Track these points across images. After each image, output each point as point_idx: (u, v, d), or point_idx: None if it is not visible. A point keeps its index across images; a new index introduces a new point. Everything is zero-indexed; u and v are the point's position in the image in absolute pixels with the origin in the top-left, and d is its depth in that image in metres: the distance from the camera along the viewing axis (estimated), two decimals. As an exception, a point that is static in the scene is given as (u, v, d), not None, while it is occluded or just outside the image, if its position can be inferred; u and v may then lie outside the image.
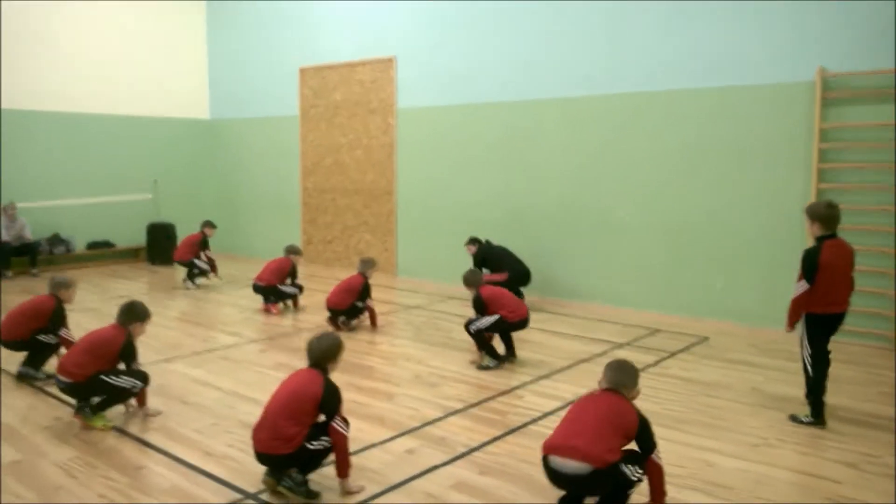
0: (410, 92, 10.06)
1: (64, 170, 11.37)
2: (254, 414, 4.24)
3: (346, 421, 3.79)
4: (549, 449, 3.37)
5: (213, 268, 9.82)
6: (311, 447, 3.68)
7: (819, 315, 4.67)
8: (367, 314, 7.41)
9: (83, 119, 11.55)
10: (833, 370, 5.01)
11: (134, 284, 10.02)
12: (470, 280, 6.16)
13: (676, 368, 6.00)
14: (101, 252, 11.79)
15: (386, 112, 10.36)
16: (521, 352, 6.42)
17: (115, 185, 11.98)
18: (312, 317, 7.88)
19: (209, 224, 9.98)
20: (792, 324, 4.79)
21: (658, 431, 4.29)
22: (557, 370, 5.93)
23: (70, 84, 11.38)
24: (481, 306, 5.99)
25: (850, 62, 6.67)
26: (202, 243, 9.76)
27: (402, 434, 4.54)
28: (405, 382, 5.60)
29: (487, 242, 8.52)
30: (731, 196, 7.43)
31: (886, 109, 6.52)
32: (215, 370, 5.93)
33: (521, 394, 5.34)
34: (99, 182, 11.79)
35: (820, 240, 4.68)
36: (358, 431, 4.50)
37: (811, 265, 4.58)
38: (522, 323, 6.04)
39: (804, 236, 6.88)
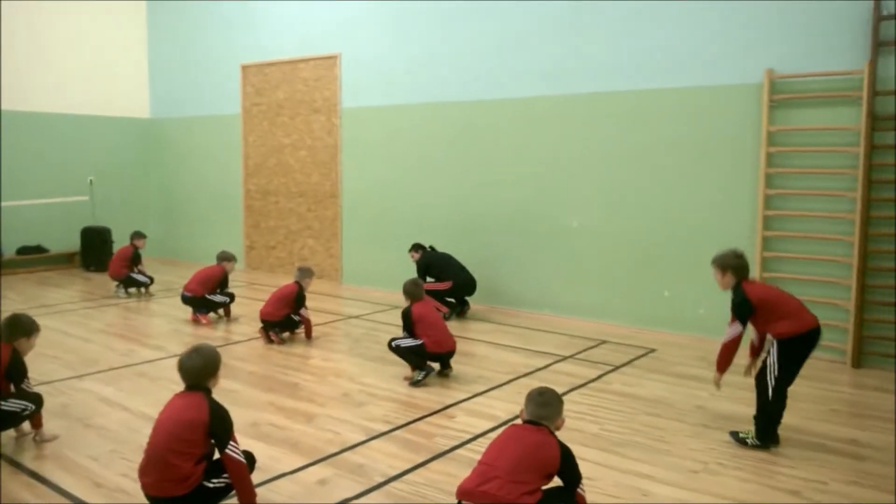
0: (355, 91, 9.68)
1: (-9, 170, 10.77)
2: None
3: (248, 456, 3.43)
4: (462, 494, 3.03)
5: (149, 278, 9.31)
6: (211, 486, 3.31)
7: (794, 336, 4.35)
8: (303, 326, 7.02)
9: (14, 117, 10.94)
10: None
11: (64, 292, 9.48)
12: (409, 291, 5.80)
13: (619, 384, 5.72)
14: (33, 258, 11.19)
15: (330, 111, 9.97)
16: (460, 366, 6.09)
17: (49, 186, 11.37)
18: (245, 327, 7.48)
19: (139, 235, 9.46)
20: (722, 370, 4.57)
21: (594, 456, 4.01)
22: (495, 386, 5.61)
23: (3, 80, 10.77)
24: (408, 323, 5.64)
25: (799, 64, 6.46)
26: (134, 258, 9.25)
27: (317, 462, 4.17)
28: (330, 402, 5.22)
29: (431, 249, 8.20)
30: (682, 202, 7.19)
31: (835, 113, 6.33)
32: (128, 388, 5.50)
33: (454, 413, 5.01)
34: (31, 183, 11.16)
35: (738, 284, 4.54)
36: (268, 459, 4.13)
37: (746, 310, 4.43)
38: (443, 357, 5.70)
39: (752, 245, 6.67)
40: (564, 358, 6.44)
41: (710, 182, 7.00)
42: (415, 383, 5.56)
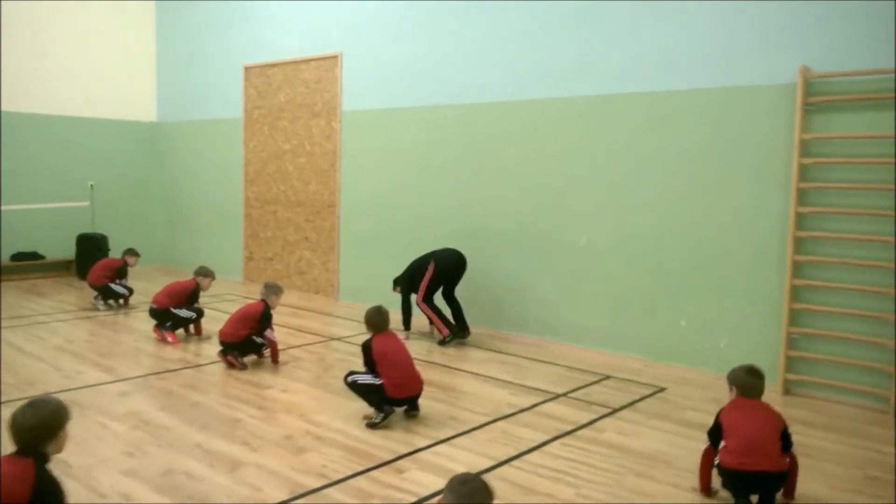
0: (356, 93, 9.00)
1: (-13, 173, 10.39)
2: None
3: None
4: None
5: (128, 290, 8.75)
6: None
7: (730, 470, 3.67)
8: (268, 349, 6.33)
9: (15, 118, 10.56)
10: (811, 438, 3.91)
11: (44, 303, 8.98)
12: (370, 320, 5.04)
13: (613, 432, 4.86)
14: (27, 264, 10.76)
15: (330, 115, 9.31)
16: (433, 402, 5.32)
17: (49, 190, 10.96)
18: (214, 347, 6.77)
19: (133, 252, 8.95)
20: (703, 485, 3.90)
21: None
22: (466, 431, 4.81)
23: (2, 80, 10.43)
24: (368, 358, 4.88)
25: (840, 61, 5.53)
26: (120, 271, 8.71)
27: (216, 529, 3.43)
28: (266, 446, 4.48)
29: (406, 272, 7.48)
30: (702, 220, 6.29)
31: (883, 118, 5.37)
32: (47, 420, 4.84)
33: (405, 466, 4.22)
34: (29, 187, 10.77)
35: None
36: (158, 524, 3.41)
37: (714, 423, 3.85)
38: (402, 402, 4.91)
39: (782, 272, 5.75)
40: (556, 396, 5.60)
41: (734, 197, 6.09)
42: (371, 425, 4.79)
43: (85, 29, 11.22)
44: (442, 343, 7.10)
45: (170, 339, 7.02)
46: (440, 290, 7.38)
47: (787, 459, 3.71)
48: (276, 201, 10.15)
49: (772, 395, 5.59)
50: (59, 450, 2.86)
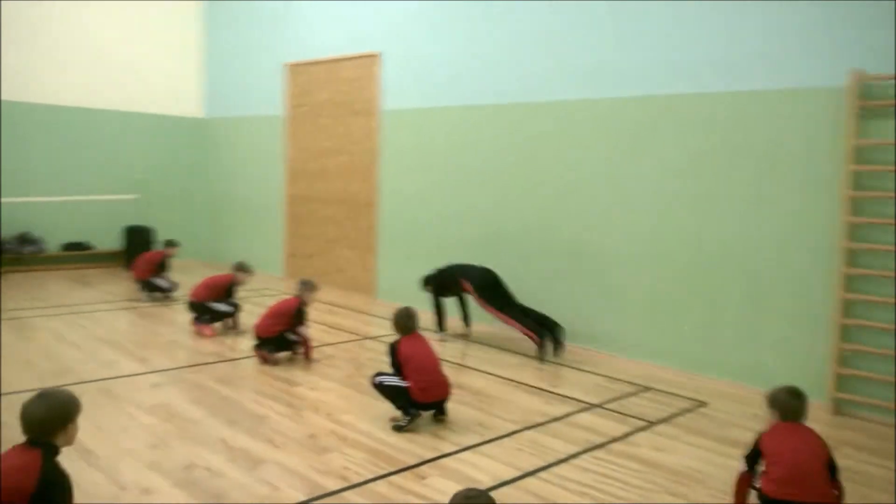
0: (395, 92, 8.95)
1: (41, 165, 10.64)
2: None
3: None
4: None
5: (172, 284, 8.83)
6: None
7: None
8: (302, 346, 6.30)
9: (66, 113, 10.81)
10: (860, 463, 3.68)
11: (89, 292, 9.15)
12: (398, 322, 4.95)
13: (647, 447, 4.67)
14: (76, 254, 11.00)
15: (370, 114, 9.27)
16: (462, 406, 5.21)
17: (98, 184, 11.20)
18: (250, 342, 6.72)
19: (172, 243, 9.04)
20: None
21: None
22: (493, 438, 4.68)
23: (53, 76, 10.65)
24: (395, 360, 4.80)
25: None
26: (161, 265, 8.81)
27: (230, 528, 3.38)
28: (290, 444, 4.43)
29: (437, 271, 7.36)
30: (748, 228, 6.03)
31: (946, 126, 5.07)
32: (78, 409, 4.87)
33: (427, 472, 4.12)
34: (81, 180, 11.02)
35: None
36: (172, 520, 3.37)
37: (752, 447, 3.61)
38: (430, 406, 4.81)
39: (832, 286, 5.48)
40: (591, 407, 5.43)
41: (781, 206, 5.82)
42: (397, 428, 4.70)
43: (136, 26, 11.41)
44: (541, 357, 6.69)
45: (207, 332, 7.06)
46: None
47: (836, 492, 3.48)
48: (317, 199, 10.16)
49: (819, 414, 5.34)
50: (68, 442, 2.83)
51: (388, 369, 4.92)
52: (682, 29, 6.36)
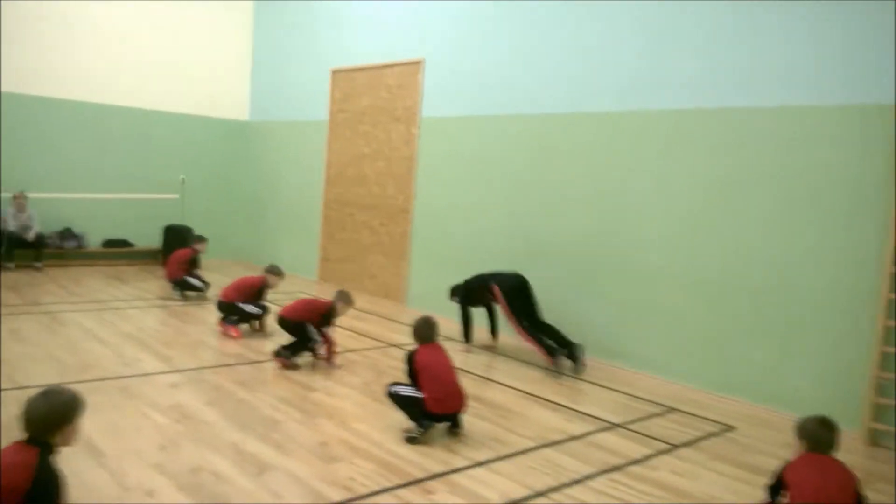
0: (436, 99, 8.90)
1: (86, 163, 10.88)
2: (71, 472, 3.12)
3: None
4: None
5: (205, 283, 8.92)
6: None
7: None
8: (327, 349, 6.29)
9: (112, 111, 11.05)
10: (889, 499, 3.46)
11: (124, 289, 9.28)
12: (417, 331, 4.89)
13: (667, 471, 4.50)
14: (116, 251, 11.21)
15: (409, 121, 9.24)
16: (477, 419, 5.10)
17: (141, 182, 11.40)
18: (275, 345, 6.69)
19: (200, 239, 9.13)
20: None
21: None
22: (508, 454, 4.56)
23: (101, 74, 10.90)
24: (411, 370, 4.71)
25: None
26: (192, 262, 8.90)
27: (227, 536, 3.33)
28: (299, 451, 4.38)
29: (464, 282, 7.27)
30: (786, 248, 5.81)
31: None
32: (94, 405, 4.84)
33: (435, 487, 4.01)
34: (124, 178, 11.24)
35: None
36: (170, 524, 3.34)
37: (776, 478, 3.48)
38: (442, 418, 4.70)
39: (874, 311, 5.23)
40: (612, 426, 5.26)
41: (822, 226, 5.59)
42: (410, 440, 4.61)
43: (185, 27, 11.63)
44: (555, 371, 6.57)
45: (233, 333, 7.08)
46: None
47: None
48: (354, 204, 10.16)
49: (853, 444, 5.12)
50: (66, 443, 2.81)
51: (406, 379, 4.85)
52: (722, 42, 6.17)
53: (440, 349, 4.87)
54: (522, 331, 6.74)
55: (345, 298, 6.33)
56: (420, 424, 4.61)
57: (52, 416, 2.75)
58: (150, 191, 11.48)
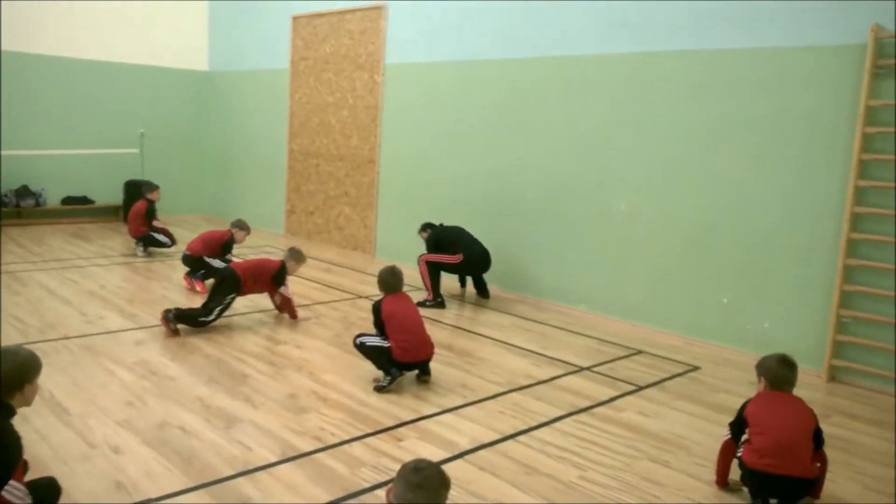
0: (400, 45, 8.71)
1: (41, 118, 10.53)
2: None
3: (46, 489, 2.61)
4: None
5: (171, 238, 8.77)
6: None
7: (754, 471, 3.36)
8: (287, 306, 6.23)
9: (67, 64, 10.66)
10: (851, 431, 3.56)
11: (86, 247, 9.09)
12: (383, 280, 4.85)
13: (633, 411, 4.57)
14: (76, 208, 10.95)
15: (373, 68, 9.05)
16: (446, 367, 5.13)
17: (99, 137, 11.08)
18: (242, 301, 6.63)
19: (150, 187, 8.93)
20: (719, 478, 3.61)
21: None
22: (476, 401, 4.59)
23: (54, 27, 10.48)
24: (377, 319, 4.69)
25: (917, 19, 4.97)
26: (147, 212, 8.70)
27: (195, 488, 3.31)
28: (268, 403, 4.36)
29: (441, 225, 7.24)
30: (752, 190, 5.83)
31: (961, 85, 4.82)
32: (58, 364, 4.81)
33: (405, 434, 4.04)
34: (81, 133, 10.91)
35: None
36: (142, 476, 3.32)
37: (737, 415, 3.55)
38: (410, 366, 4.70)
39: (835, 251, 5.30)
40: (580, 370, 5.32)
41: (789, 167, 5.61)
42: (379, 389, 4.62)
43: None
44: (421, 305, 6.67)
45: (199, 288, 6.99)
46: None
47: (818, 464, 3.37)
48: (319, 155, 10.01)
49: (815, 381, 5.25)
50: (25, 403, 2.76)
51: (373, 329, 4.83)
52: (688, -20, 6.08)
53: (406, 298, 4.85)
54: (423, 262, 6.97)
55: (296, 256, 6.22)
56: (388, 373, 4.62)
57: (9, 378, 2.68)
58: (108, 146, 11.18)
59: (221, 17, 11.78)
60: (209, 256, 7.11)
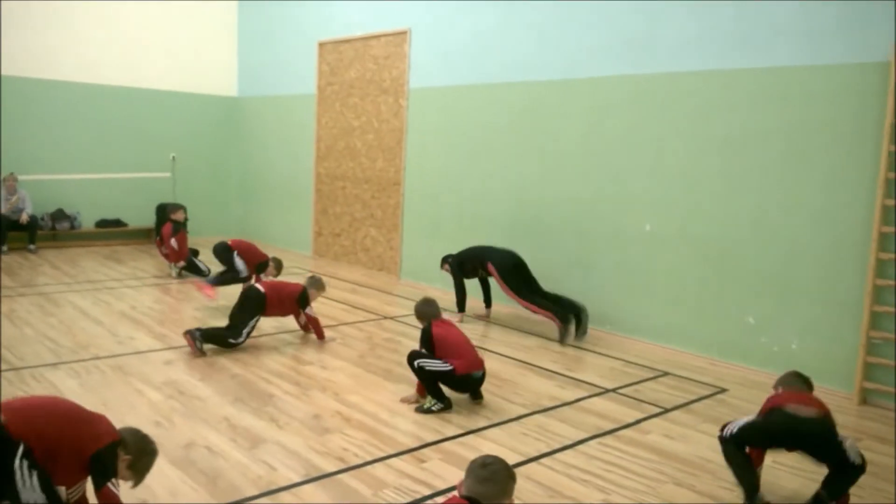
0: (423, 69, 8.82)
1: (76, 143, 10.83)
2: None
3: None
4: None
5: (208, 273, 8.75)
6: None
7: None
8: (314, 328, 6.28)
9: (101, 91, 10.96)
10: (881, 455, 3.50)
11: (118, 268, 9.27)
12: (421, 312, 4.99)
13: (658, 434, 4.54)
14: (110, 231, 11.19)
15: (398, 92, 9.17)
16: (470, 390, 5.12)
17: (133, 161, 11.37)
18: (267, 321, 6.65)
19: (175, 208, 9.09)
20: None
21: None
22: (500, 422, 4.59)
23: (89, 54, 10.79)
24: (429, 345, 4.75)
25: (943, 38, 4.94)
26: (174, 231, 8.79)
27: (220, 508, 3.36)
28: (293, 424, 4.41)
29: (459, 254, 7.30)
30: (778, 210, 5.79)
31: None
32: (90, 383, 4.92)
33: (428, 455, 4.05)
34: (114, 158, 11.19)
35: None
36: (168, 495, 3.36)
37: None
38: (475, 380, 4.75)
39: (863, 271, 5.24)
40: (605, 392, 5.30)
41: (813, 187, 5.57)
42: (424, 410, 4.63)
43: (171, 4, 11.47)
44: (562, 340, 6.55)
45: (208, 291, 7.14)
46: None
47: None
48: (345, 177, 10.12)
49: (845, 404, 5.17)
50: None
51: (407, 350, 4.90)
52: (715, 3, 6.09)
53: (450, 322, 4.97)
54: (528, 304, 6.76)
55: (316, 284, 6.26)
56: (441, 401, 4.64)
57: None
58: (141, 170, 11.44)
59: (250, 43, 12.03)
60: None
